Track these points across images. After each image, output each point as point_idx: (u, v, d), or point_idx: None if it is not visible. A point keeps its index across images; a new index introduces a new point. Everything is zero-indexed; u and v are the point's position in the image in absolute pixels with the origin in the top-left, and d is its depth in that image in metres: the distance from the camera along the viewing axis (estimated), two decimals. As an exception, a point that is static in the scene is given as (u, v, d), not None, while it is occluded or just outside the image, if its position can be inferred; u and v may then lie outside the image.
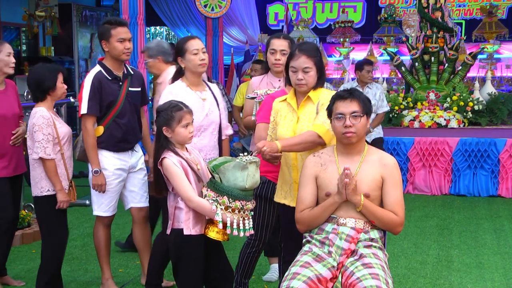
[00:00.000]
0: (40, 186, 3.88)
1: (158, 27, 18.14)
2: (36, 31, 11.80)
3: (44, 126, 3.81)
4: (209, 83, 4.09)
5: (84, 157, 4.12)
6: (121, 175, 4.12)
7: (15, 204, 4.40)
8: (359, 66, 6.95)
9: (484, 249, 5.29)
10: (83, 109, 3.98)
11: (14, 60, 4.29)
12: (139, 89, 4.22)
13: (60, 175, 3.90)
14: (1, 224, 4.27)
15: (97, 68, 4.09)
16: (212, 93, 3.98)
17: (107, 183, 4.06)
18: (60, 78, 3.91)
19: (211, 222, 3.22)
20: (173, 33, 15.26)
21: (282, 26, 13.22)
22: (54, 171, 3.84)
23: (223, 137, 4.03)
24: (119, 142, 4.06)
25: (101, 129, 4.05)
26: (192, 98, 3.77)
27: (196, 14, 13.55)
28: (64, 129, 3.95)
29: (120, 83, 4.10)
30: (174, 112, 3.25)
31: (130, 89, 4.10)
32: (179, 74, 3.93)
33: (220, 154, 3.97)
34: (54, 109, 4.07)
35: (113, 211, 4.20)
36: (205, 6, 10.01)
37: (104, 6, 14.80)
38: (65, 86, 3.97)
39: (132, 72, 4.21)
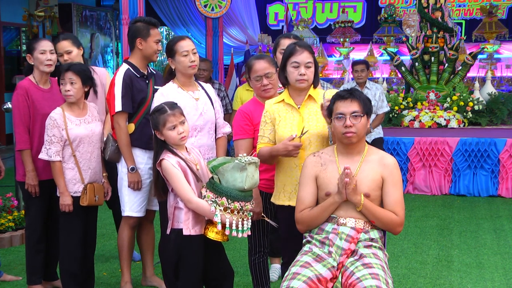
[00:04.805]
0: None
1: (158, 27, 18.07)
2: (36, 31, 11.79)
3: (49, 128, 3.78)
4: (202, 83, 4.09)
5: (115, 157, 4.10)
6: (152, 175, 4.10)
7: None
8: (351, 66, 7.04)
9: (484, 249, 5.28)
10: (117, 107, 3.98)
11: (49, 57, 4.10)
12: None
13: (73, 178, 3.85)
14: (32, 233, 4.20)
15: (125, 66, 4.12)
16: (206, 92, 3.98)
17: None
18: (61, 79, 3.82)
19: (210, 222, 3.22)
20: (173, 33, 15.25)
21: (282, 26, 13.21)
22: (58, 173, 3.80)
23: (220, 135, 4.03)
24: (150, 139, 4.01)
25: (132, 127, 4.07)
26: (184, 98, 3.77)
27: (196, 14, 13.53)
28: (77, 130, 3.84)
29: (147, 81, 4.14)
30: (158, 116, 3.26)
31: (155, 87, 4.10)
32: (170, 75, 3.93)
33: (216, 152, 3.98)
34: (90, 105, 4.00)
35: (144, 212, 4.19)
36: (205, 6, 10.01)
37: (104, 6, 14.79)
38: (66, 88, 3.81)
39: (154, 72, 4.26)
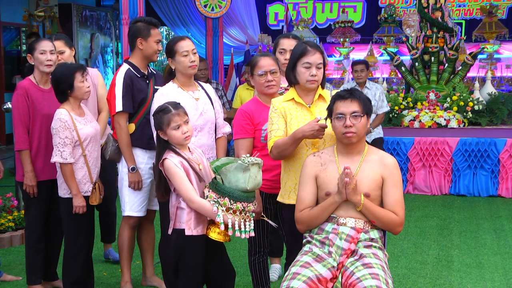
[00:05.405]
0: (64, 187, 3.84)
1: (158, 27, 18.05)
2: (36, 31, 11.78)
3: (61, 130, 3.74)
4: (201, 83, 4.10)
5: (115, 157, 4.11)
6: (152, 175, 4.10)
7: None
8: (351, 66, 7.05)
9: (484, 249, 5.28)
10: (118, 107, 4.00)
11: (49, 58, 4.08)
12: None
13: (83, 178, 3.83)
14: (32, 233, 4.18)
15: (125, 66, 4.12)
16: (206, 92, 3.99)
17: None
18: (78, 77, 3.77)
19: (212, 223, 3.22)
20: (173, 33, 15.25)
21: (282, 26, 13.21)
22: (70, 175, 3.76)
23: (220, 135, 4.04)
24: (150, 139, 4.01)
25: (133, 127, 4.08)
26: (184, 98, 3.77)
27: (196, 14, 13.54)
28: (86, 130, 3.83)
29: (147, 81, 4.15)
30: (162, 116, 3.25)
31: (155, 87, 4.11)
32: (170, 75, 3.93)
33: (216, 152, 3.98)
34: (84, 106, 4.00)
35: (144, 212, 4.20)
36: (205, 6, 10.01)
37: (104, 6, 14.79)
38: (87, 85, 3.83)
39: (155, 72, 4.28)
